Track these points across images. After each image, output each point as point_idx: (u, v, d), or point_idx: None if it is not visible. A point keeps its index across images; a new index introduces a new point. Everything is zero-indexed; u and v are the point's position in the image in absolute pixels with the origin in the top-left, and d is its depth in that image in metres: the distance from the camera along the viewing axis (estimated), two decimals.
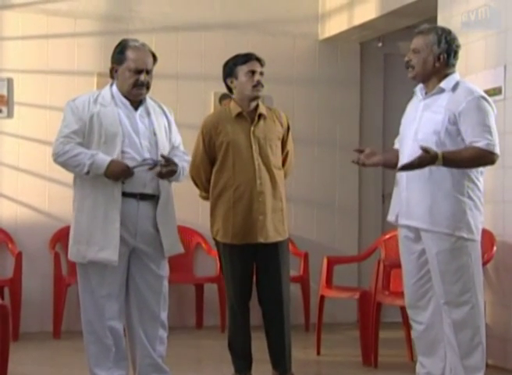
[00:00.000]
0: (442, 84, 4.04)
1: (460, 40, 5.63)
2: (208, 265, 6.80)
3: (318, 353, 5.62)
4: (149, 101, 4.23)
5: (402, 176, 4.10)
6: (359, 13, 6.80)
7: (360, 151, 3.97)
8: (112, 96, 4.10)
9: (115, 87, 4.13)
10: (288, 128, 4.68)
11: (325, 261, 5.76)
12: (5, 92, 6.47)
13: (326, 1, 7.26)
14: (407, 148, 4.09)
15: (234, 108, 4.55)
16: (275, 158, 4.57)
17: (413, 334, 4.24)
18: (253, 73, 4.50)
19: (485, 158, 3.90)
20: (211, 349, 5.99)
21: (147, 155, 4.07)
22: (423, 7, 6.03)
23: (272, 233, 4.50)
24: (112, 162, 3.95)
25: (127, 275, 4.11)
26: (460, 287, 3.96)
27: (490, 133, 3.89)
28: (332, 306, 6.29)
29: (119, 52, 4.10)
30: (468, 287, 3.97)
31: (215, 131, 4.51)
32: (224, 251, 4.56)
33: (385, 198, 7.24)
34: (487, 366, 4.13)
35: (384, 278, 5.36)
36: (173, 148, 4.27)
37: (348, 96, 7.40)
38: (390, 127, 6.78)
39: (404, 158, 4.08)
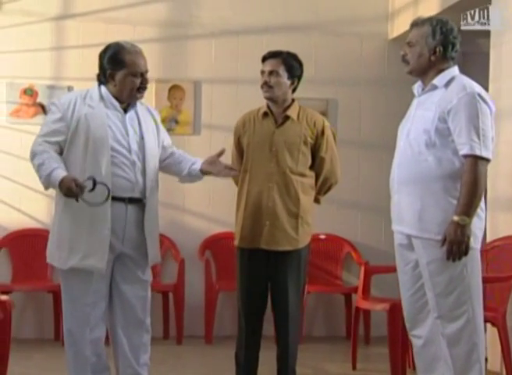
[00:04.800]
0: (435, 81, 3.72)
1: None
2: None
3: (354, 368, 5.32)
4: (138, 104, 4.08)
5: (393, 179, 3.83)
6: (423, 10, 6.43)
7: None
8: (101, 97, 3.97)
9: (104, 88, 3.99)
10: (322, 134, 4.44)
11: (362, 270, 5.46)
12: None
13: None
14: (399, 149, 3.83)
15: (263, 108, 4.47)
16: (295, 163, 4.37)
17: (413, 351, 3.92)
18: (262, 73, 4.46)
19: (478, 169, 3.52)
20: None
21: (135, 159, 3.97)
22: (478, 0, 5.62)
23: (279, 241, 4.32)
24: (63, 178, 3.75)
25: (110, 281, 3.99)
26: (454, 301, 3.61)
27: (477, 134, 3.52)
28: (378, 317, 5.97)
29: (114, 57, 3.94)
30: (463, 300, 3.61)
31: (243, 131, 4.48)
32: (236, 254, 4.46)
33: None
34: None
35: None
36: (164, 148, 4.15)
37: None
38: None
39: (395, 160, 3.85)
